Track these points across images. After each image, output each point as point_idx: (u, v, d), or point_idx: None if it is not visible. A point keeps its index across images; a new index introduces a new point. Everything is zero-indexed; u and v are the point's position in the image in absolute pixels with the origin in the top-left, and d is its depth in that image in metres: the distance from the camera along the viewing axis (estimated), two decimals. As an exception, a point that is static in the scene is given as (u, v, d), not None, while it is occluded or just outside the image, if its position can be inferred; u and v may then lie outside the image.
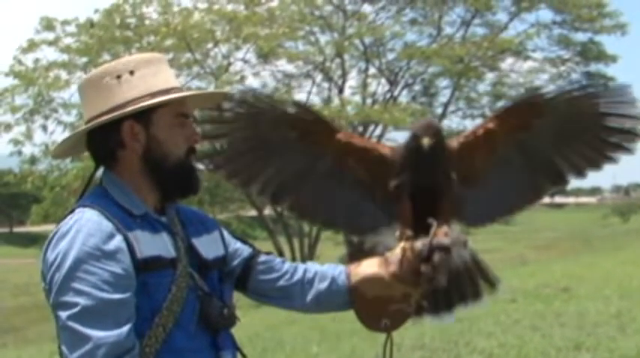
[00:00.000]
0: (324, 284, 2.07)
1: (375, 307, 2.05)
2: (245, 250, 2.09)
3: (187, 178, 1.88)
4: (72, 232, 1.71)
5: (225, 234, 2.06)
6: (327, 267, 2.10)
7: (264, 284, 2.08)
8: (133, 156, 1.84)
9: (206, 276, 1.88)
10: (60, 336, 1.69)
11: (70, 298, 1.66)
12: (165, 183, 1.86)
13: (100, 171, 1.90)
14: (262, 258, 2.09)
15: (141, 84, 1.84)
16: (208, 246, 1.94)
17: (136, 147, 1.83)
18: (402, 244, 1.95)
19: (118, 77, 1.84)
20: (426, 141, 1.89)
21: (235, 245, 2.08)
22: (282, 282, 2.08)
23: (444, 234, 1.90)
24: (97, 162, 1.89)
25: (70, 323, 1.65)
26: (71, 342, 1.65)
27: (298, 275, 2.08)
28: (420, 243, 1.90)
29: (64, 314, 1.66)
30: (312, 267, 2.12)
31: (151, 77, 1.85)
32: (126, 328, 1.66)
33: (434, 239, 1.88)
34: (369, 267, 2.02)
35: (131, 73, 1.84)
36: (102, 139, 1.85)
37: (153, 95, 1.83)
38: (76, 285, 1.66)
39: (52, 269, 1.70)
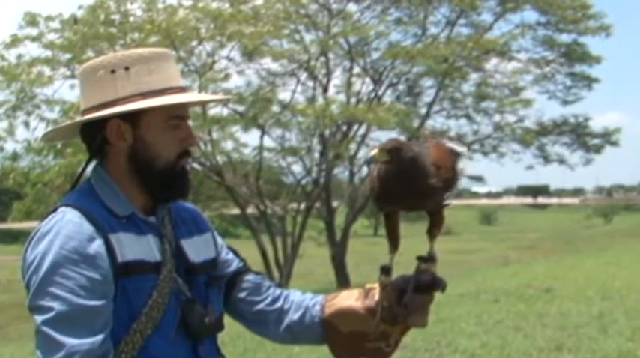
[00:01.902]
0: (297, 314, 1.94)
1: (352, 344, 1.88)
2: (234, 264, 1.98)
3: (176, 182, 1.79)
4: (51, 234, 1.65)
5: (219, 240, 1.97)
6: (305, 297, 1.98)
7: (243, 305, 1.96)
8: (119, 155, 1.77)
9: (192, 281, 1.80)
10: (36, 339, 1.64)
11: (45, 302, 1.61)
12: (152, 186, 1.78)
13: (91, 166, 1.83)
14: (250, 276, 1.98)
15: (134, 82, 1.75)
16: (198, 248, 1.86)
17: (122, 146, 1.76)
18: (381, 277, 1.80)
19: (113, 72, 1.75)
20: (377, 154, 1.63)
21: (227, 255, 1.98)
22: (261, 306, 1.95)
23: (428, 269, 1.76)
24: (90, 154, 1.82)
25: (45, 328, 1.60)
26: (45, 347, 1.60)
27: (278, 303, 1.96)
28: (400, 279, 1.78)
29: (39, 318, 1.61)
30: (293, 295, 1.99)
31: (146, 76, 1.76)
32: (101, 336, 1.61)
33: (414, 277, 1.76)
34: (346, 298, 1.89)
35: (126, 69, 1.75)
36: (91, 133, 1.78)
37: (144, 95, 1.73)
38: (53, 290, 1.61)
39: (30, 271, 1.65)
